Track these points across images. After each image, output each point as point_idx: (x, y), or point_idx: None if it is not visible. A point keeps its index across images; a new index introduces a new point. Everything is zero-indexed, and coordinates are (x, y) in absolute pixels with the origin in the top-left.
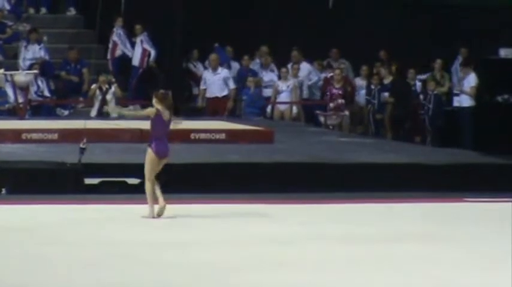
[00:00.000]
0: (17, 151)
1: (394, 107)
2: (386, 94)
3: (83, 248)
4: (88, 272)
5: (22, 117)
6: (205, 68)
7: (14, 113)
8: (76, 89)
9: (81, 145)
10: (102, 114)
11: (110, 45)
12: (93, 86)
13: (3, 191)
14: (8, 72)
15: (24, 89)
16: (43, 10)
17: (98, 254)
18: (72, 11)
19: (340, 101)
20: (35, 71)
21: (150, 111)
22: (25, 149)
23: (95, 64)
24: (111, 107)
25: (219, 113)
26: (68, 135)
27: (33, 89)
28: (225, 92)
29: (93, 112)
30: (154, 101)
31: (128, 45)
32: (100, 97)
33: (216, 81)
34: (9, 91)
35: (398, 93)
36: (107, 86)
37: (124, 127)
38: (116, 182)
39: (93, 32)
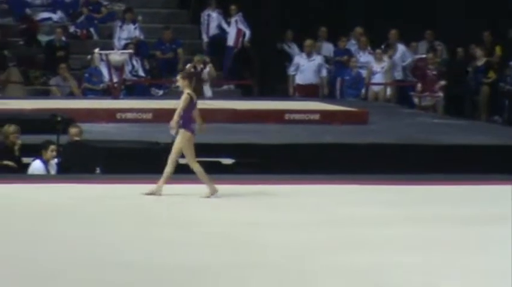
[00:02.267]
0: (111, 130)
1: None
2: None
3: (177, 228)
4: (183, 251)
5: (116, 97)
6: (301, 49)
7: (108, 92)
8: (170, 68)
9: None
10: (197, 94)
11: (204, 26)
12: (188, 65)
13: (98, 170)
14: (103, 52)
15: (119, 68)
16: None
17: (193, 234)
18: None
19: (435, 82)
20: (130, 51)
21: (186, 100)
22: (119, 129)
23: (189, 44)
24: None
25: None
26: (162, 115)
27: (127, 68)
28: (318, 79)
29: None
30: (183, 83)
31: (223, 26)
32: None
33: (311, 67)
34: (104, 71)
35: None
36: (201, 66)
37: (218, 107)
38: (209, 163)
39: (187, 12)
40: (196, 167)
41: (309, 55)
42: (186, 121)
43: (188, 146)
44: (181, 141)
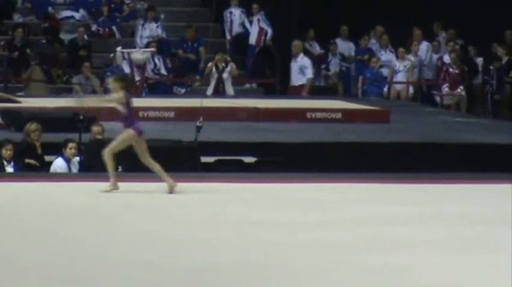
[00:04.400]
0: None
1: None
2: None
3: (196, 227)
4: (201, 251)
5: (139, 95)
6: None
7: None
8: (193, 67)
9: (198, 123)
10: (219, 93)
11: (227, 24)
12: (209, 64)
13: (120, 168)
14: (125, 50)
15: (141, 67)
16: None
17: (210, 233)
18: None
19: (457, 81)
20: (152, 49)
21: (121, 99)
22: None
23: (211, 43)
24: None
25: None
26: (184, 114)
27: (149, 67)
28: (301, 81)
29: (210, 90)
30: (114, 86)
31: (246, 24)
32: (216, 75)
33: (294, 68)
34: (126, 69)
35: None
36: (223, 64)
37: (240, 105)
38: (231, 161)
39: (210, 10)
40: (152, 165)
41: (295, 57)
42: (130, 121)
43: (125, 141)
44: (124, 140)
